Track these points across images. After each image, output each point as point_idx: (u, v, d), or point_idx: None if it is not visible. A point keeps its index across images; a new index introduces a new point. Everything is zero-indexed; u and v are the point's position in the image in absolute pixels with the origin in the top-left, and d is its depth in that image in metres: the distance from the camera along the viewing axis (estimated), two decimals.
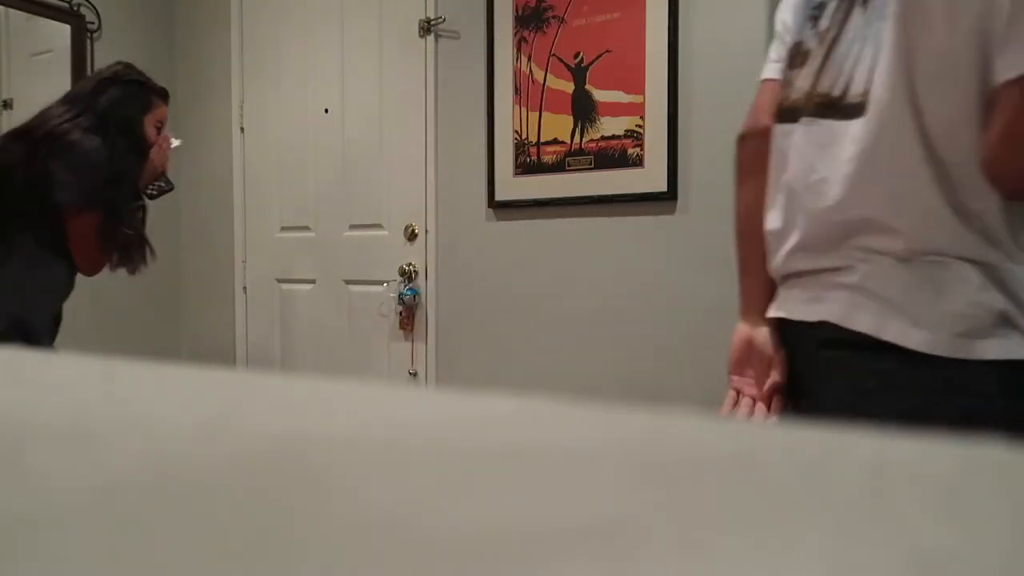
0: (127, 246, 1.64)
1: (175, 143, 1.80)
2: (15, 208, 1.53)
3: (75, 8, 2.80)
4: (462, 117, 2.48)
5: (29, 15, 2.68)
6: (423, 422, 0.25)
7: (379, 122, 2.66)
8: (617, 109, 2.18)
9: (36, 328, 1.57)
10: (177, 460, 0.20)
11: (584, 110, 2.24)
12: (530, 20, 2.32)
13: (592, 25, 2.22)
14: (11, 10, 2.63)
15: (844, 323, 0.82)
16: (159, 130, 1.72)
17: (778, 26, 0.98)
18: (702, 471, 0.19)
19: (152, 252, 1.71)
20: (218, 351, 3.07)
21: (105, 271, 1.68)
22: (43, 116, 1.59)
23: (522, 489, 0.18)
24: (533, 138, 2.33)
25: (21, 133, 1.57)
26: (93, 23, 2.86)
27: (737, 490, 0.18)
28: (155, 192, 1.80)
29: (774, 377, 0.94)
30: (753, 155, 0.99)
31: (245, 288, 3.02)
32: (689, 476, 0.19)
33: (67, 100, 1.63)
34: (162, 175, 1.78)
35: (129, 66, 1.70)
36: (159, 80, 1.79)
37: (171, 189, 1.84)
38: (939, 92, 0.77)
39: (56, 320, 1.68)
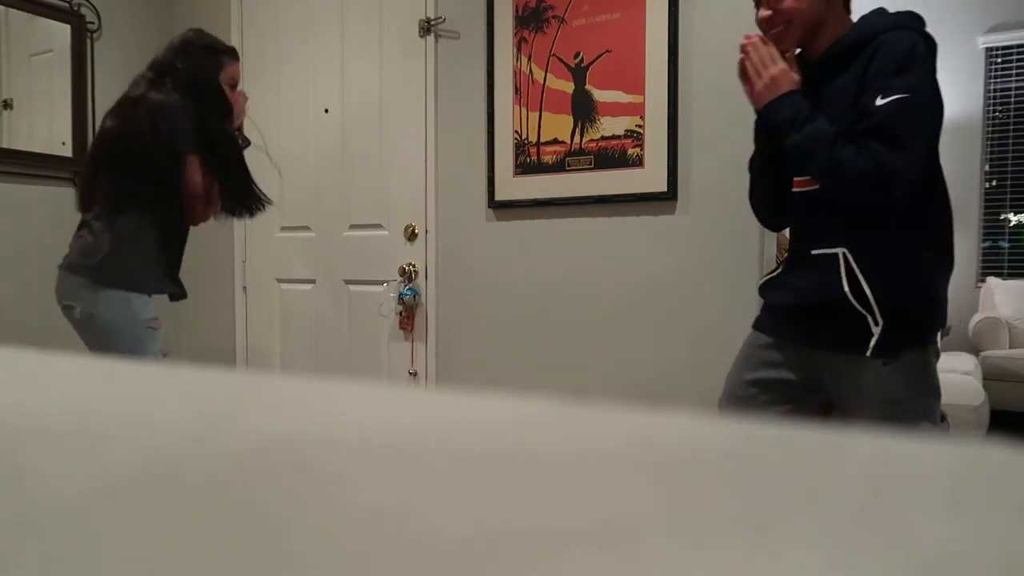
0: (231, 192, 1.81)
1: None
2: (140, 166, 1.69)
3: (75, 8, 2.80)
4: (462, 117, 2.48)
5: (29, 15, 2.68)
6: (423, 422, 0.25)
7: (379, 122, 2.66)
8: (617, 109, 2.18)
9: (137, 278, 1.72)
10: (177, 460, 0.20)
11: (584, 110, 2.24)
12: (530, 20, 2.32)
13: (592, 25, 2.22)
14: (11, 10, 2.63)
15: None
16: (232, 87, 1.83)
17: None
18: (702, 471, 0.19)
19: (263, 196, 1.86)
20: (218, 351, 3.07)
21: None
22: (135, 84, 1.76)
23: (522, 489, 0.18)
24: (533, 138, 2.33)
25: (123, 102, 1.73)
26: (93, 23, 2.86)
27: (737, 490, 0.18)
28: None
29: None
30: None
31: (245, 288, 3.02)
32: (689, 476, 0.19)
33: (151, 67, 1.78)
34: (238, 131, 1.88)
35: (199, 31, 1.83)
36: None
37: (247, 145, 1.92)
38: None
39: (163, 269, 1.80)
